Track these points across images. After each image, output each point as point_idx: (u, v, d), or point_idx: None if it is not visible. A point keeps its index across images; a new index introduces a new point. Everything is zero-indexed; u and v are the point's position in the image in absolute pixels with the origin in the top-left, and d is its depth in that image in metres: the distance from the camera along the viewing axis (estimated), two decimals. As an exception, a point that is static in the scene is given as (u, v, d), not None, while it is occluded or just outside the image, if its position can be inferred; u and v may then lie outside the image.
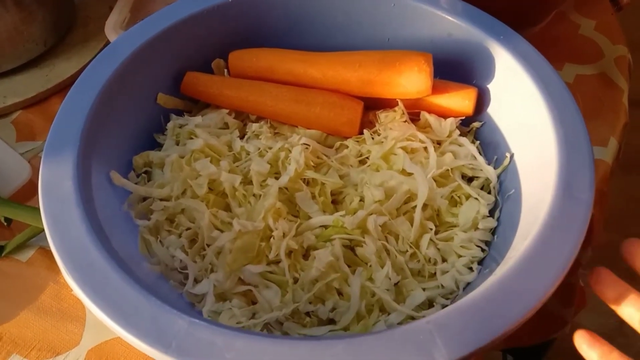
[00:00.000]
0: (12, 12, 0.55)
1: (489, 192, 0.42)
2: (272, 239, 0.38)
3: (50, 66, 0.58)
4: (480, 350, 0.28)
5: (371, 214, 0.39)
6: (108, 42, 0.57)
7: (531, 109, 0.39)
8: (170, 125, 0.45)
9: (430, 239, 0.39)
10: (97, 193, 0.36)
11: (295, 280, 0.37)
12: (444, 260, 0.39)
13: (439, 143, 0.44)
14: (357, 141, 0.44)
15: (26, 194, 0.48)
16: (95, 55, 0.42)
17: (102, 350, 0.40)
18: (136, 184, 0.41)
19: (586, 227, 0.32)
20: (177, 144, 0.44)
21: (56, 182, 0.34)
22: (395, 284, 0.38)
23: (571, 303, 0.58)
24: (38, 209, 0.34)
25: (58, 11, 0.59)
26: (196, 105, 0.48)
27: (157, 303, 0.29)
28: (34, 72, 0.57)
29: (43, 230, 0.44)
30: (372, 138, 0.44)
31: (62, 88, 0.57)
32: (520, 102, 0.40)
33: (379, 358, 0.27)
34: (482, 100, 0.44)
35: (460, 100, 0.43)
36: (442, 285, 0.38)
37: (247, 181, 0.41)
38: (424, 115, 0.45)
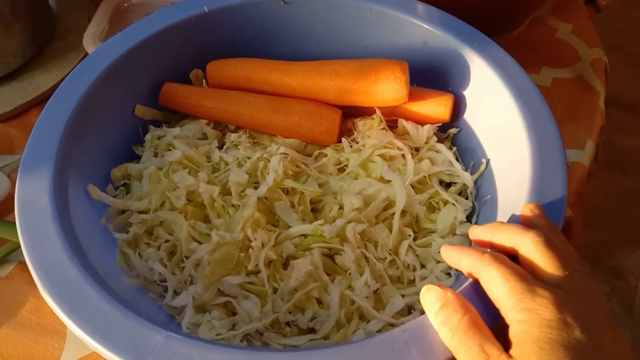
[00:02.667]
0: (-10, 24, 0.54)
1: (466, 198, 0.42)
2: (251, 249, 0.38)
3: (29, 79, 0.58)
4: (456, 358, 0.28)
5: (350, 222, 0.39)
6: (87, 54, 0.57)
7: (505, 115, 0.39)
8: (148, 137, 0.45)
9: (409, 246, 0.40)
10: (75, 207, 0.36)
11: (275, 290, 0.37)
12: (422, 266, 0.40)
13: (417, 150, 0.45)
14: (336, 149, 0.44)
15: (5, 209, 0.47)
16: (74, 67, 0.42)
17: (82, 364, 0.40)
18: (114, 197, 0.41)
19: (559, 229, 0.33)
20: (156, 155, 0.44)
21: (32, 197, 0.34)
22: (375, 292, 0.38)
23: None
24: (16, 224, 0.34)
25: (37, 23, 0.59)
26: (174, 116, 0.48)
27: (134, 317, 0.29)
28: (12, 85, 0.57)
29: (21, 245, 0.43)
30: (351, 146, 0.44)
31: (41, 100, 0.57)
32: (495, 108, 0.41)
33: (354, 368, 0.27)
34: (458, 107, 0.45)
35: (436, 107, 0.44)
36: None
37: (225, 192, 0.41)
38: (402, 122, 0.45)
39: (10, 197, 0.48)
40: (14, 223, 0.44)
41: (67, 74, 0.57)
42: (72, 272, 0.31)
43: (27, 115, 0.56)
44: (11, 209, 0.47)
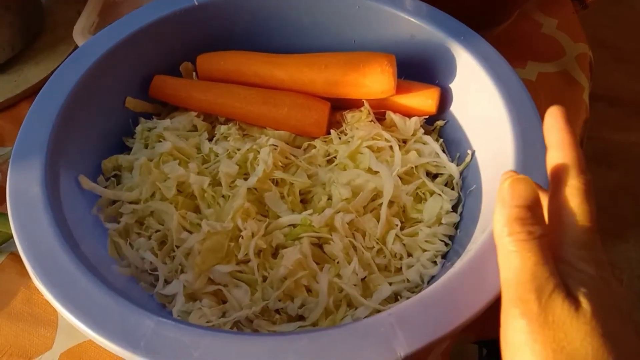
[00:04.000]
0: (-21, 17, 0.54)
1: (452, 188, 0.43)
2: (241, 238, 0.38)
3: (19, 71, 0.58)
4: (440, 341, 0.29)
5: (338, 212, 0.40)
6: (76, 47, 0.57)
7: (490, 108, 0.40)
8: (138, 128, 0.45)
9: (396, 235, 0.40)
10: (66, 198, 0.36)
11: (265, 279, 0.38)
12: (409, 255, 0.40)
13: (404, 141, 0.45)
14: (325, 141, 0.45)
15: (-4, 200, 0.48)
16: (64, 60, 0.42)
17: (74, 353, 0.40)
18: (105, 187, 0.41)
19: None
20: (146, 147, 0.44)
21: (24, 187, 0.35)
22: (363, 279, 0.39)
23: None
24: (7, 215, 0.34)
25: (26, 16, 0.59)
26: (165, 108, 0.48)
27: (125, 304, 0.30)
28: (2, 77, 0.57)
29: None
30: (339, 138, 0.45)
31: (31, 93, 0.57)
32: (481, 101, 0.42)
33: (341, 350, 0.28)
34: (445, 100, 0.45)
35: (423, 100, 0.45)
36: (407, 280, 0.39)
37: (216, 182, 0.42)
38: (389, 114, 0.46)
39: (1, 189, 0.48)
40: (5, 214, 0.44)
41: (57, 67, 0.57)
42: (64, 261, 0.32)
43: (16, 108, 0.56)
44: (2, 200, 0.48)
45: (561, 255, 0.26)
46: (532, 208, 0.26)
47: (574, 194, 0.27)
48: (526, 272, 0.25)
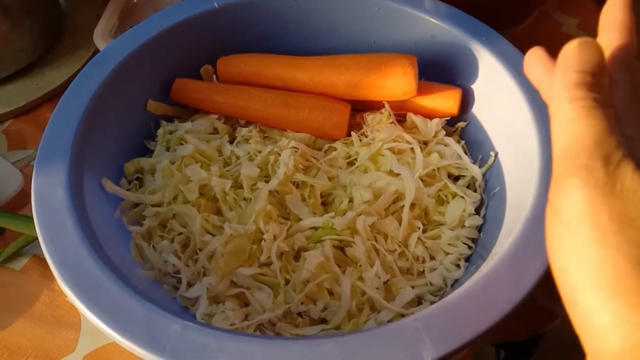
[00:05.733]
0: (0, 22, 0.55)
1: (475, 191, 0.43)
2: (263, 241, 0.38)
3: (40, 75, 0.58)
4: (467, 346, 0.29)
5: (360, 215, 0.40)
6: (97, 50, 0.58)
7: (514, 109, 0.40)
8: (160, 131, 0.45)
9: (419, 238, 0.40)
10: (90, 201, 0.37)
11: (287, 282, 0.38)
12: (432, 258, 0.40)
13: (425, 143, 0.45)
14: (345, 143, 0.45)
15: (19, 203, 0.48)
16: (85, 64, 0.43)
17: (97, 355, 0.41)
18: (128, 190, 0.42)
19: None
20: (168, 150, 0.45)
21: (49, 191, 0.35)
22: (385, 283, 0.38)
23: (560, 296, 0.59)
24: (31, 218, 0.35)
25: (46, 20, 0.59)
26: (186, 111, 0.48)
27: (151, 307, 0.30)
28: (23, 81, 0.58)
29: (36, 238, 0.44)
30: (360, 140, 0.45)
31: (53, 96, 0.57)
32: (503, 102, 0.41)
33: (367, 355, 0.28)
34: (466, 101, 0.45)
35: (445, 101, 0.44)
36: (430, 283, 0.39)
37: (237, 185, 0.42)
38: (410, 116, 0.45)
39: (23, 192, 0.48)
40: (28, 217, 0.45)
41: (78, 70, 0.58)
42: (90, 264, 0.32)
43: (38, 111, 0.57)
44: (25, 203, 0.49)
45: (626, 133, 0.23)
46: (598, 76, 0.23)
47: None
48: (590, 139, 0.22)
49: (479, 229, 0.41)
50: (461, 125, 0.46)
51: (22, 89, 0.57)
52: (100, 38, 0.54)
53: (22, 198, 0.48)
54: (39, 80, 0.58)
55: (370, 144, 0.44)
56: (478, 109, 0.45)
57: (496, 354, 0.92)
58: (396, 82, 0.42)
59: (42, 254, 0.33)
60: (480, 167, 0.43)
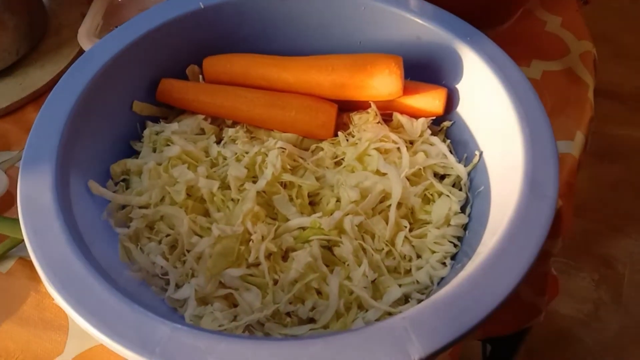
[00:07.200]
0: (-17, 21, 0.54)
1: (460, 189, 0.43)
2: (251, 242, 0.38)
3: (24, 75, 0.58)
4: (454, 343, 0.29)
5: (347, 214, 0.40)
6: (81, 50, 0.57)
7: (498, 108, 0.40)
8: (146, 132, 0.45)
9: (405, 237, 0.40)
10: (76, 203, 0.36)
11: (275, 282, 0.38)
12: (418, 256, 0.41)
13: (412, 143, 0.45)
14: (332, 143, 0.45)
15: (4, 205, 0.48)
16: (70, 63, 0.42)
17: (86, 358, 0.41)
18: (114, 192, 0.41)
19: (551, 222, 0.34)
20: (154, 151, 0.44)
21: (35, 193, 0.35)
22: (372, 282, 0.39)
23: (544, 292, 0.60)
24: (17, 220, 0.35)
25: (30, 19, 0.59)
26: (172, 111, 0.48)
27: (140, 310, 0.30)
28: (7, 81, 0.57)
29: (22, 241, 0.44)
30: (347, 140, 0.45)
31: (37, 96, 0.57)
32: (488, 101, 0.42)
33: (356, 354, 0.28)
34: (451, 100, 0.45)
35: (430, 101, 0.45)
36: (417, 281, 0.39)
37: (225, 186, 0.42)
38: (396, 116, 0.46)
39: (8, 194, 0.48)
40: (14, 219, 0.45)
41: (62, 69, 0.58)
42: (77, 266, 0.32)
43: (23, 112, 0.56)
44: (10, 205, 0.48)
45: None
46: None
47: None
48: None
49: (465, 227, 0.41)
50: (446, 124, 0.46)
51: (5, 89, 0.57)
52: (85, 37, 0.53)
53: (8, 200, 0.48)
54: (22, 80, 0.57)
55: (357, 143, 0.44)
56: (463, 109, 0.45)
57: (482, 349, 0.94)
58: (382, 82, 0.43)
59: (28, 256, 0.33)
60: (465, 166, 0.44)
